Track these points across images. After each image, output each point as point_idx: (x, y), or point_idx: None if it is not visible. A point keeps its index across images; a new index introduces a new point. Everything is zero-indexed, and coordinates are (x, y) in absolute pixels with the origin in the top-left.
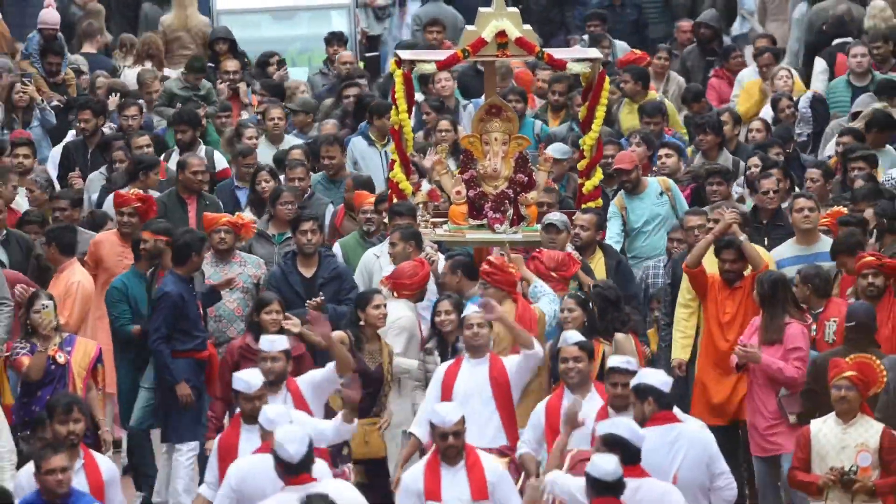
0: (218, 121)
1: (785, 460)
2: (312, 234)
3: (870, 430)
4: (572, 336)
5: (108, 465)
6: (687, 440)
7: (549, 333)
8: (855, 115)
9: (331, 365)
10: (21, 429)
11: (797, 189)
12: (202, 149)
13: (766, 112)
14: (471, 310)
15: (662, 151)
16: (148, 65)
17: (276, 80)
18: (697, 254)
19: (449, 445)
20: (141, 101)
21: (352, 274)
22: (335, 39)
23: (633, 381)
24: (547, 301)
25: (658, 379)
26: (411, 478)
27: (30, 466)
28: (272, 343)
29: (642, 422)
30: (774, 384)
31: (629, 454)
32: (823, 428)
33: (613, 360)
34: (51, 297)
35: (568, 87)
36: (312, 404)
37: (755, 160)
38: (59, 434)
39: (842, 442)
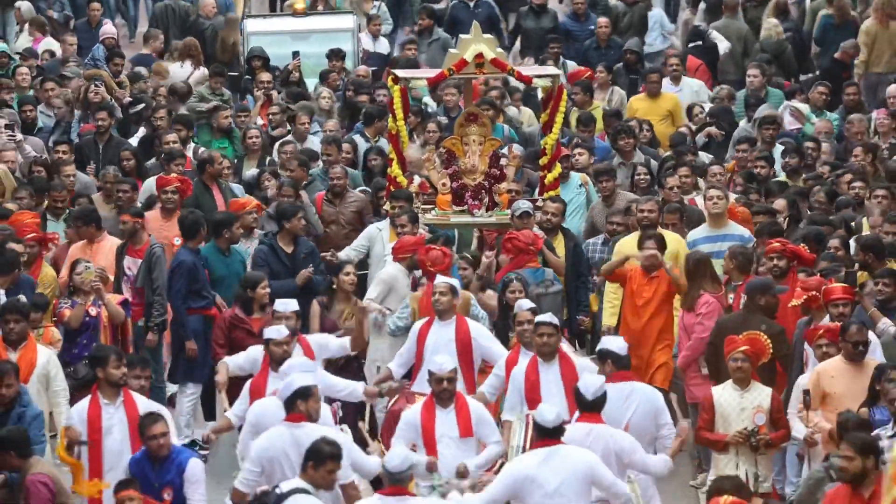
0: (238, 119)
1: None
2: (299, 220)
3: (762, 394)
4: (525, 303)
5: (143, 401)
6: (639, 395)
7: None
8: (754, 121)
9: (346, 339)
10: (65, 367)
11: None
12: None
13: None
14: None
15: (576, 150)
16: (188, 62)
17: (298, 90)
18: (609, 267)
19: (443, 389)
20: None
21: (318, 251)
22: (334, 55)
23: (598, 347)
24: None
25: (616, 344)
26: (411, 414)
27: (83, 402)
28: (286, 305)
29: (606, 377)
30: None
31: (586, 403)
32: (724, 394)
33: (539, 317)
34: (89, 262)
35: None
36: (318, 360)
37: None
38: (113, 377)
39: (740, 405)
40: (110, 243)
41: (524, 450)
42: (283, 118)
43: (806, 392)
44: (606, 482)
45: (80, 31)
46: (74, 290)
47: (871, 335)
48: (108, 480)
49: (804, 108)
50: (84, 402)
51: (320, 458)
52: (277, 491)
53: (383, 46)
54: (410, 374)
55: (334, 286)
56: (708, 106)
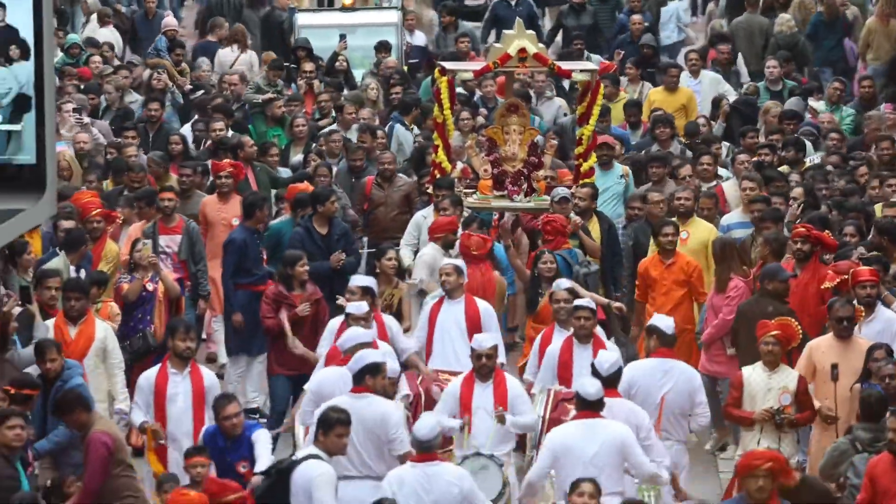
0: (287, 108)
1: (721, 385)
2: (332, 203)
3: (789, 376)
4: (563, 283)
5: (209, 374)
6: (678, 372)
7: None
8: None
9: (414, 340)
10: (122, 340)
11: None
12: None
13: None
14: (445, 261)
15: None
16: (234, 46)
17: (337, 80)
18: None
19: (482, 364)
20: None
21: (351, 234)
22: (382, 48)
23: (647, 323)
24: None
25: (664, 323)
26: (453, 387)
27: (153, 370)
28: (357, 281)
29: (648, 353)
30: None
31: (607, 380)
32: (753, 374)
33: (578, 301)
34: (147, 240)
35: None
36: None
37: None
38: (178, 348)
39: (767, 385)
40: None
41: (544, 421)
42: (330, 107)
43: (834, 366)
44: (636, 457)
45: (138, 21)
46: (134, 266)
47: (889, 315)
48: (170, 446)
49: (820, 105)
50: (154, 370)
51: (329, 425)
52: (292, 458)
53: (420, 39)
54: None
55: (377, 270)
56: (733, 97)
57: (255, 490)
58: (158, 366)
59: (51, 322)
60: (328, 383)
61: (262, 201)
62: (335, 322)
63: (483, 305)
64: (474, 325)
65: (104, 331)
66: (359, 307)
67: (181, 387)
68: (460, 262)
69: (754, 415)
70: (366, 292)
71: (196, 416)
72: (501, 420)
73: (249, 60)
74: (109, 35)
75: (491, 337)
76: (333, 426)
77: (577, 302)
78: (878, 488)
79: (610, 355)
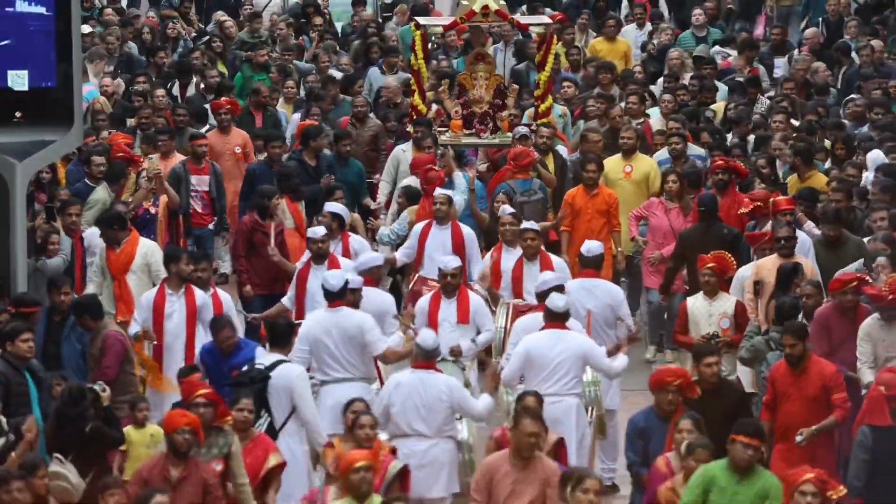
0: (283, 57)
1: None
2: (321, 140)
3: (728, 302)
4: (507, 209)
5: (200, 294)
6: (601, 289)
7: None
8: (695, 58)
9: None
10: None
11: None
12: None
13: None
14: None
15: (564, 83)
16: None
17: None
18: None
19: (447, 283)
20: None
21: (337, 165)
22: (359, 2)
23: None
24: (458, 194)
25: (586, 247)
26: (423, 301)
27: (151, 291)
28: (328, 206)
29: (577, 273)
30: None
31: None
32: (696, 303)
33: (525, 224)
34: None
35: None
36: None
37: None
38: (184, 272)
39: (709, 311)
40: (178, 158)
41: (506, 331)
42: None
43: (756, 282)
44: (599, 363)
45: None
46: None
47: (805, 237)
48: (166, 356)
49: (732, 52)
50: (152, 291)
51: (276, 333)
52: (259, 366)
53: None
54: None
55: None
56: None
57: (236, 396)
58: (157, 287)
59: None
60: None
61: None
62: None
63: (467, 231)
64: (458, 249)
65: (146, 247)
66: (315, 231)
67: (177, 305)
68: (450, 192)
69: (694, 340)
70: (334, 217)
71: (189, 331)
72: (455, 353)
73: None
74: None
75: (455, 259)
76: (281, 334)
77: (525, 224)
78: (776, 391)
79: (548, 276)
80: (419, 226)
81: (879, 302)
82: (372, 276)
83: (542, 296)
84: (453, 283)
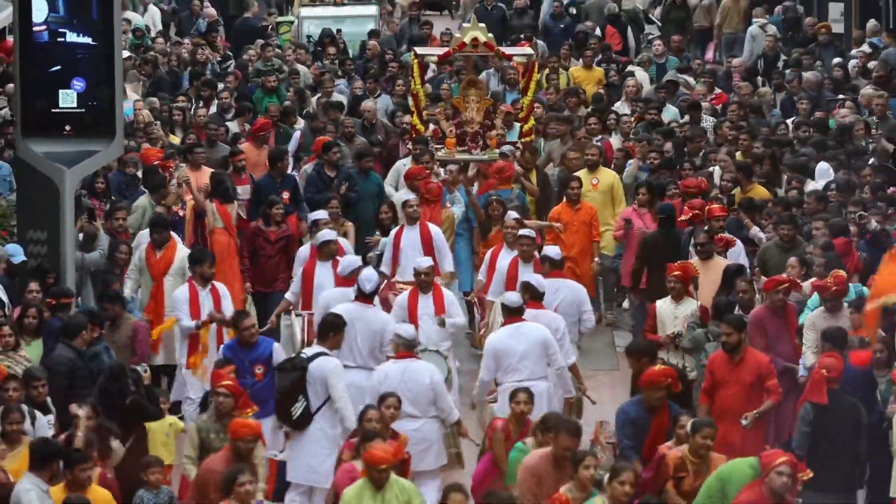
0: (293, 79)
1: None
2: (335, 154)
3: (692, 306)
4: (512, 214)
5: (223, 288)
6: (566, 288)
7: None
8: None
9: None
10: None
11: None
12: None
13: None
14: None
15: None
16: None
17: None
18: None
19: (421, 280)
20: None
21: (354, 177)
22: (373, 34)
23: (542, 254)
24: (458, 207)
25: (553, 251)
26: (402, 298)
27: (184, 287)
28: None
29: (544, 275)
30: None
31: (535, 294)
32: (663, 305)
33: (523, 231)
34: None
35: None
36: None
37: None
38: (206, 274)
39: (674, 314)
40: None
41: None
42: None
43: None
44: (554, 353)
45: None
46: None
47: (740, 243)
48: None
49: (691, 80)
50: (185, 287)
51: (336, 328)
52: (303, 355)
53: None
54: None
55: None
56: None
57: (278, 381)
58: (187, 284)
59: (143, 247)
60: (333, 301)
61: (282, 153)
62: (305, 249)
63: (434, 229)
64: (428, 246)
65: (183, 252)
66: (326, 234)
67: (206, 300)
68: (410, 195)
69: (661, 339)
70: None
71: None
72: (442, 324)
73: None
74: (152, 17)
75: (427, 259)
76: (331, 330)
77: (522, 231)
78: (715, 378)
79: (539, 278)
80: (392, 233)
81: (823, 293)
82: (353, 279)
83: (541, 294)
84: (427, 281)
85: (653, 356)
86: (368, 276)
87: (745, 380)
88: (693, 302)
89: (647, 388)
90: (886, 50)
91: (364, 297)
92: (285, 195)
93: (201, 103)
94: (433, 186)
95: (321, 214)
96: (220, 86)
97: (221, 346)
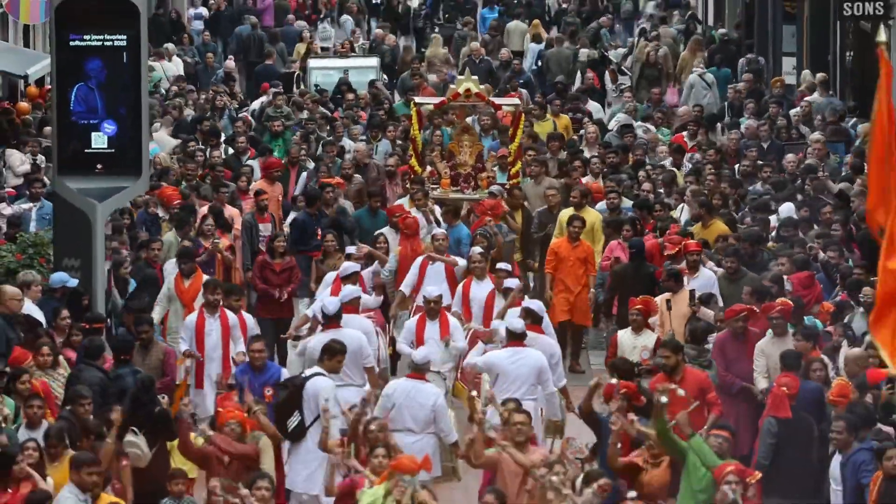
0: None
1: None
2: (329, 194)
3: (650, 338)
4: (477, 249)
5: (231, 315)
6: (542, 345)
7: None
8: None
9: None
10: None
11: None
12: None
13: None
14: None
15: None
16: None
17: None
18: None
19: (430, 308)
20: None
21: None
22: (372, 84)
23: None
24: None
25: (536, 305)
26: (410, 323)
27: (193, 315)
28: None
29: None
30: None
31: (535, 318)
32: (624, 336)
33: (500, 265)
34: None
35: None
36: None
37: None
38: (208, 300)
39: (633, 344)
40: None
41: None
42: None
43: (668, 302)
44: (545, 378)
45: (199, 69)
46: (200, 233)
47: (711, 273)
48: (207, 365)
49: (652, 128)
50: (194, 315)
51: (333, 353)
52: (303, 375)
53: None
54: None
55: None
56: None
57: (276, 397)
58: (197, 311)
59: (172, 277)
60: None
61: (320, 192)
62: (330, 275)
63: (458, 268)
64: (451, 278)
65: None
66: (347, 267)
67: (213, 325)
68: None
69: None
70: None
71: (225, 346)
72: (447, 345)
73: None
74: (176, 66)
75: (436, 289)
76: (336, 354)
77: (499, 265)
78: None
79: (540, 304)
80: (418, 261)
81: (769, 311)
82: (352, 306)
83: (540, 318)
84: (435, 308)
85: (629, 374)
86: (329, 301)
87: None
88: (652, 334)
89: (608, 398)
90: (818, 101)
91: (331, 321)
92: (319, 231)
93: (213, 146)
94: (410, 221)
95: (352, 249)
96: (230, 130)
97: (235, 368)
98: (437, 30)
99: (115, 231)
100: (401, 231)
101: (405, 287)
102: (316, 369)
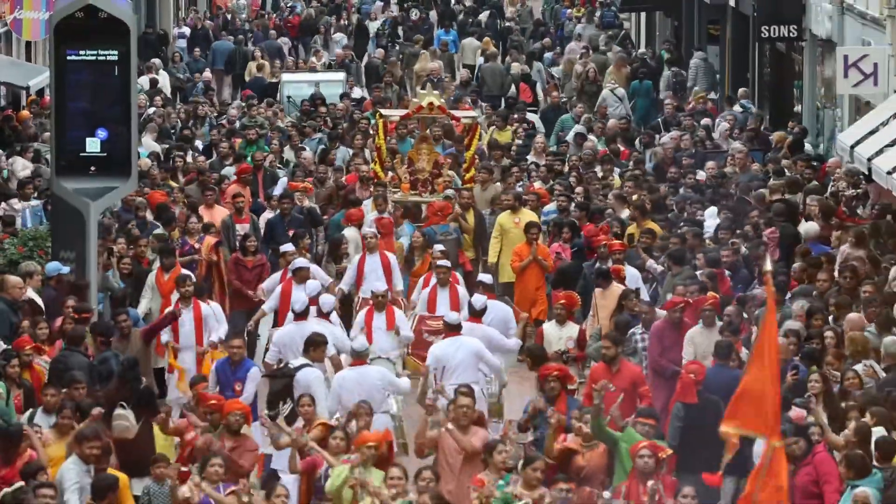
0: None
1: None
2: (300, 201)
3: (574, 329)
4: (438, 247)
5: (205, 307)
6: (497, 309)
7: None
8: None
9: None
10: None
11: None
12: None
13: None
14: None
15: None
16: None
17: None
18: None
19: (378, 301)
20: None
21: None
22: (345, 96)
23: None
24: (404, 239)
25: (486, 277)
26: (359, 317)
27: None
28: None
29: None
30: None
31: (474, 312)
32: (549, 327)
33: (441, 262)
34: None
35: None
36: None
37: None
38: (183, 293)
39: (559, 335)
40: (220, 211)
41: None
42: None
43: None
44: (488, 360)
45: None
46: (186, 231)
47: (634, 271)
48: (181, 353)
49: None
50: (171, 307)
51: (316, 344)
52: (291, 365)
53: (356, 92)
54: None
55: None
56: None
57: (270, 386)
58: (174, 304)
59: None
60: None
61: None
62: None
63: (390, 257)
64: (386, 269)
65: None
66: (299, 261)
67: (187, 316)
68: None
69: (550, 355)
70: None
71: (198, 335)
72: (397, 332)
73: None
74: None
75: (383, 284)
76: (319, 345)
77: (439, 262)
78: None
79: (482, 298)
80: (356, 258)
81: (705, 305)
82: (315, 299)
83: (480, 312)
84: (382, 302)
85: (542, 359)
86: (297, 298)
87: (620, 386)
88: (574, 326)
89: (541, 379)
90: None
91: (299, 316)
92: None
93: (200, 151)
94: (386, 222)
95: (289, 247)
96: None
97: (215, 362)
98: (396, 48)
99: (120, 231)
100: (378, 230)
101: (344, 285)
102: (303, 360)
